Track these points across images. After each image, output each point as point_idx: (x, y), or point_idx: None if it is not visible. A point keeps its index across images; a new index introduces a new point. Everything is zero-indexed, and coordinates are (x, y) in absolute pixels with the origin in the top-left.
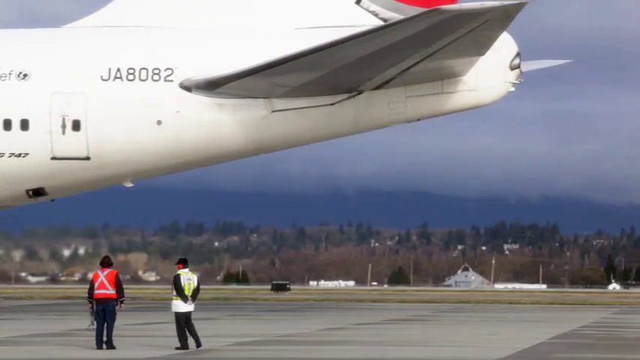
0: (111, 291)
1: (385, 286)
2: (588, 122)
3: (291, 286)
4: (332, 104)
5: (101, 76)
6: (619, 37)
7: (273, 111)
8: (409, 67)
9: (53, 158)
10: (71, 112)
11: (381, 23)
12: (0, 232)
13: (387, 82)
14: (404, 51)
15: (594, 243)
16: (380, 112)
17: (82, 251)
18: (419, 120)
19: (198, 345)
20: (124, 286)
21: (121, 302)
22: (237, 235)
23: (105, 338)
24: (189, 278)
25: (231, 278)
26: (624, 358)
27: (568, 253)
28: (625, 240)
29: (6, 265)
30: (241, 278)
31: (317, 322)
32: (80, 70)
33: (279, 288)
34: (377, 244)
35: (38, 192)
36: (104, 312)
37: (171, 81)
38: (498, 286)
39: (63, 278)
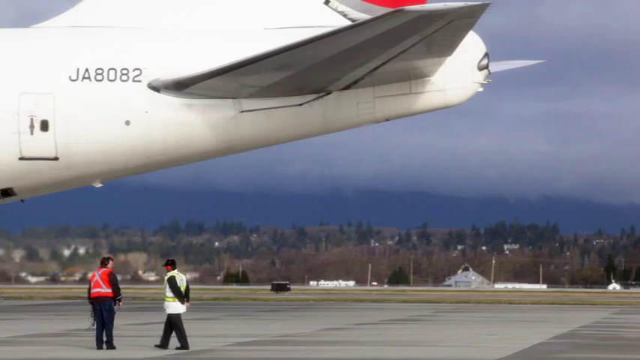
0: (105, 289)
1: (385, 286)
2: (588, 122)
3: (291, 286)
4: (300, 104)
5: (69, 77)
6: (619, 37)
7: (242, 111)
8: (377, 68)
9: (21, 158)
10: (39, 113)
11: (349, 24)
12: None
13: (356, 82)
14: (370, 51)
15: (594, 243)
16: (349, 112)
17: (82, 251)
18: (387, 120)
19: (185, 347)
20: (125, 286)
21: (118, 301)
22: (237, 235)
23: (105, 338)
24: (181, 279)
25: (231, 278)
26: (625, 358)
27: (568, 253)
28: (625, 240)
29: (6, 265)
30: (241, 278)
31: (317, 322)
32: (48, 70)
33: (279, 288)
34: (377, 244)
35: (7, 192)
36: (101, 311)
37: (140, 81)
38: (498, 286)
39: (63, 278)
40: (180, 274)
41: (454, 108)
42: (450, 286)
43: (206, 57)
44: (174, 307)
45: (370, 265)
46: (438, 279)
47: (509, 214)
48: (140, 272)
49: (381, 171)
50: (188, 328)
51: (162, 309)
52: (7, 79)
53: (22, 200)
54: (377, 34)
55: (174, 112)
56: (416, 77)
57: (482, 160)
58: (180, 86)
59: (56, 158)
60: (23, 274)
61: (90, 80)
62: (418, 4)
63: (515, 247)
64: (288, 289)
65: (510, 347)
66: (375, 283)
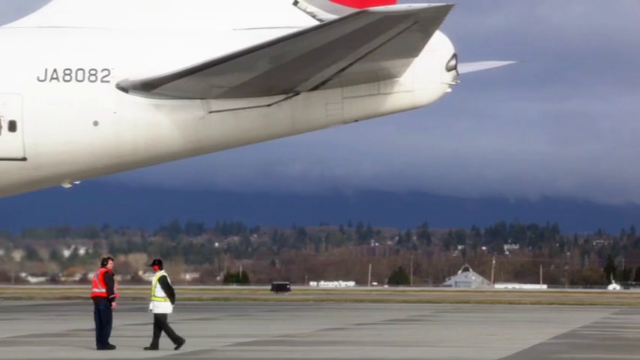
0: (101, 289)
1: (385, 286)
2: (588, 122)
3: (292, 287)
4: (269, 105)
5: (38, 77)
6: (619, 37)
7: (211, 112)
8: (344, 69)
9: None
10: (7, 113)
11: (316, 24)
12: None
13: (324, 83)
14: (337, 52)
15: (594, 243)
16: (317, 112)
17: (82, 251)
18: (356, 121)
19: (182, 342)
20: (125, 286)
21: (111, 301)
22: (237, 235)
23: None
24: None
25: (231, 278)
26: (625, 358)
27: (568, 254)
28: (625, 240)
29: (6, 265)
30: (241, 278)
31: (317, 323)
32: (17, 70)
33: (280, 288)
34: (377, 244)
35: None
36: (99, 311)
37: (108, 82)
38: (498, 286)
39: (63, 278)
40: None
41: (454, 108)
42: (450, 286)
43: (175, 58)
44: (165, 306)
45: (370, 266)
46: (438, 279)
47: (510, 214)
48: (140, 272)
49: (381, 171)
50: (188, 328)
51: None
52: None
53: None
54: (343, 34)
55: (143, 113)
56: (384, 78)
57: (482, 161)
58: (149, 87)
59: (24, 159)
60: (23, 275)
61: (58, 81)
62: (388, 4)
63: (516, 247)
64: (288, 290)
65: (510, 347)
66: (375, 284)
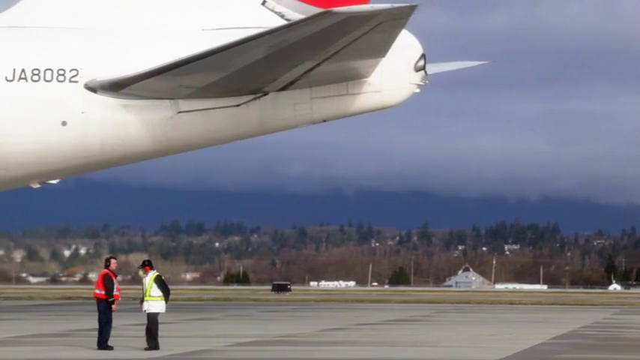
0: (100, 291)
1: (386, 286)
2: (588, 122)
3: (292, 287)
4: (238, 105)
5: (5, 77)
6: (619, 37)
7: (179, 112)
8: (312, 69)
9: None
10: None
11: (283, 24)
12: (0, 232)
13: (292, 83)
14: (303, 52)
15: (595, 243)
16: (286, 113)
17: (82, 251)
18: (325, 121)
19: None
20: (125, 287)
21: (110, 303)
22: (237, 235)
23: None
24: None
25: (231, 279)
26: (625, 358)
27: (569, 254)
28: (626, 240)
29: (7, 265)
30: (242, 278)
31: (317, 323)
32: None
33: (280, 288)
34: (377, 244)
35: None
36: (100, 312)
37: (77, 82)
38: (499, 286)
39: (63, 279)
40: None
41: (454, 108)
42: (450, 286)
43: (143, 58)
44: (161, 305)
45: (371, 266)
46: (439, 279)
47: (510, 214)
48: (140, 272)
49: (381, 171)
50: (189, 328)
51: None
52: None
53: None
54: (308, 34)
55: (111, 113)
56: (353, 78)
57: (482, 161)
58: (117, 87)
59: None
60: (24, 275)
61: (26, 81)
62: (360, 4)
63: (516, 247)
64: (289, 290)
65: (511, 347)
66: (375, 284)
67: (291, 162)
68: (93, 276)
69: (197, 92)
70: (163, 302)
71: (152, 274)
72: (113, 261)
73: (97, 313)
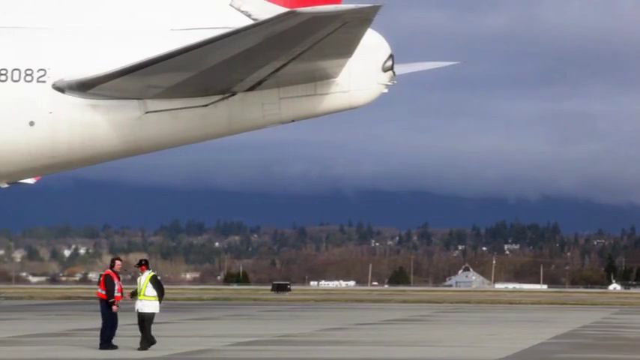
0: (101, 291)
1: (386, 286)
2: (588, 122)
3: (292, 287)
4: (206, 105)
5: None
6: (618, 37)
7: (147, 112)
8: (279, 69)
9: None
10: None
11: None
12: (1, 232)
13: (260, 83)
14: (269, 52)
15: (595, 243)
16: (254, 113)
17: (82, 251)
18: (293, 121)
19: (146, 348)
20: (125, 287)
21: (111, 303)
22: (237, 235)
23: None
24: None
25: (231, 278)
26: (625, 358)
27: (569, 254)
28: (625, 240)
29: (7, 265)
30: (242, 278)
31: (317, 322)
32: None
33: (280, 288)
34: (377, 244)
35: None
36: (102, 312)
37: (44, 82)
38: (499, 286)
39: (63, 278)
40: None
41: (454, 108)
42: (450, 286)
43: (112, 58)
44: (155, 306)
45: (371, 266)
46: (439, 279)
47: (510, 214)
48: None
49: (381, 171)
50: (189, 327)
51: (162, 309)
52: None
53: None
54: (273, 35)
55: (79, 113)
56: (320, 78)
57: (482, 160)
58: (85, 87)
59: None
60: (24, 274)
61: None
62: (332, 4)
63: (516, 247)
64: (289, 290)
65: (511, 347)
66: (375, 283)
67: (291, 162)
68: (93, 275)
69: (165, 92)
70: (157, 302)
71: (148, 274)
72: (118, 262)
73: (99, 313)
